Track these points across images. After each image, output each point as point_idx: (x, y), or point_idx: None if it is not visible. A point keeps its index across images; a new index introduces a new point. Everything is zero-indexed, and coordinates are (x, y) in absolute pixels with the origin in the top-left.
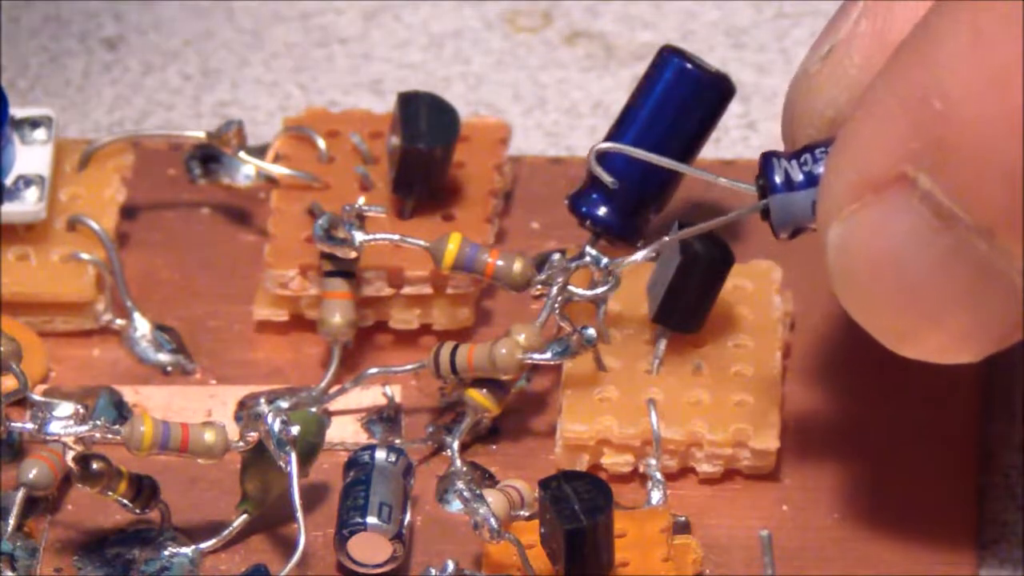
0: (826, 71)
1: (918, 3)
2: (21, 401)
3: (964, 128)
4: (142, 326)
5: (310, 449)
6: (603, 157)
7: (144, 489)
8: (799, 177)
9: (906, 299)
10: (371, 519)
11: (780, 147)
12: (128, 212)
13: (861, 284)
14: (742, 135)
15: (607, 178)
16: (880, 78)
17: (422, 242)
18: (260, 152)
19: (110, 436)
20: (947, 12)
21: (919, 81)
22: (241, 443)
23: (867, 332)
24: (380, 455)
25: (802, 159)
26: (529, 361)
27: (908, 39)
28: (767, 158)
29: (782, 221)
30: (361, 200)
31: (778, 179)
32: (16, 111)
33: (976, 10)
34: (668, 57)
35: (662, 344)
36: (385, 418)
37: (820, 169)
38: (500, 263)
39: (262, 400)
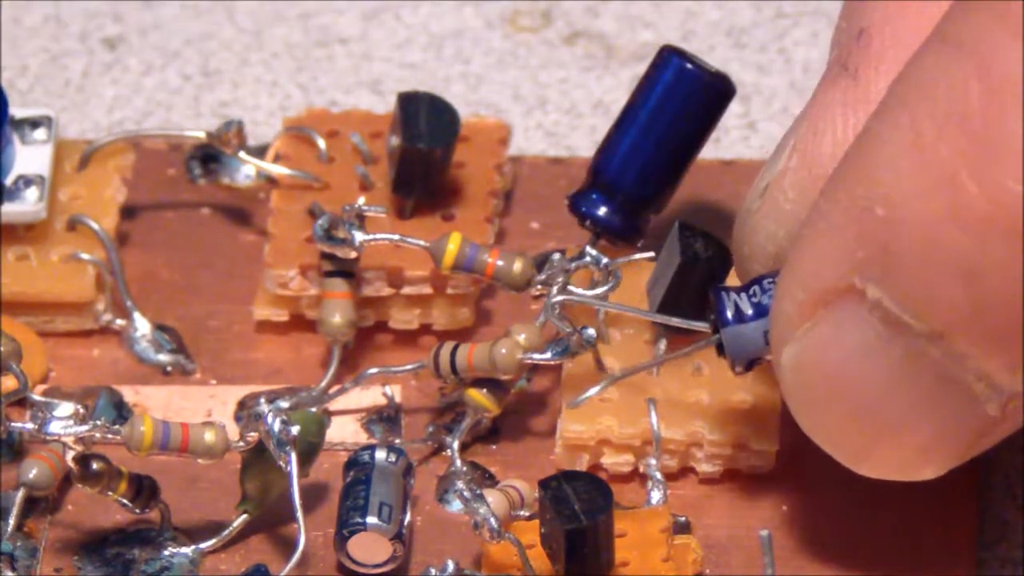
0: (764, 208)
1: (846, 133)
2: (21, 401)
3: (908, 231)
4: (142, 326)
5: (310, 449)
6: (601, 157)
7: (144, 489)
8: (749, 311)
9: (863, 414)
10: (371, 519)
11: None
12: (128, 212)
13: (817, 403)
14: (742, 135)
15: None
16: (823, 194)
17: (422, 242)
18: (260, 152)
19: (110, 436)
20: (885, 116)
21: (861, 190)
22: (241, 443)
23: None
24: (380, 455)
25: (751, 291)
26: (529, 361)
27: (849, 151)
28: (717, 293)
29: (735, 354)
30: (361, 200)
31: (729, 313)
32: (16, 111)
33: (913, 111)
34: (668, 57)
35: (662, 344)
36: (385, 418)
37: (768, 299)
38: (500, 263)
39: (262, 400)
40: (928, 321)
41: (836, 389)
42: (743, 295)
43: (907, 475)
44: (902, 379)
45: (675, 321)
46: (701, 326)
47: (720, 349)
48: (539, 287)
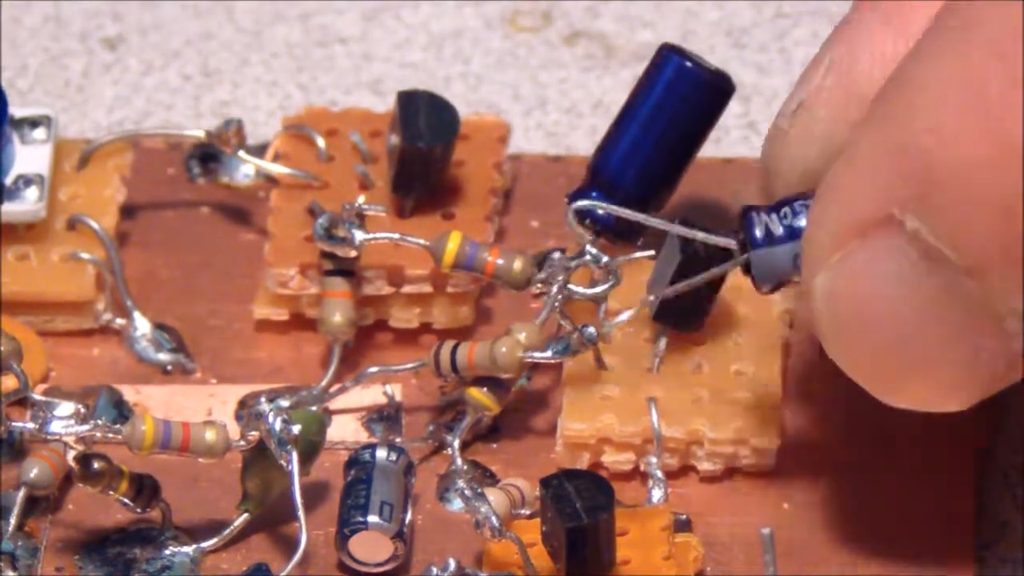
0: (796, 127)
1: (884, 54)
2: (21, 401)
3: (953, 167)
4: (142, 325)
5: (311, 448)
6: (601, 156)
7: (145, 488)
8: (779, 231)
9: (894, 346)
10: (372, 518)
11: None
12: (128, 212)
13: (848, 333)
14: (742, 135)
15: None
16: (864, 123)
17: (422, 241)
18: (259, 151)
19: (111, 435)
20: (931, 49)
21: (904, 122)
22: (242, 442)
23: None
24: (381, 454)
25: (782, 212)
26: (529, 359)
27: (890, 86)
28: (747, 213)
29: (764, 276)
30: (361, 199)
31: (758, 233)
32: (16, 111)
33: (962, 46)
34: (668, 55)
35: (662, 342)
36: (386, 417)
37: (801, 222)
38: (500, 262)
39: (263, 399)
40: (966, 255)
41: (868, 320)
42: (773, 216)
43: (933, 407)
44: (935, 312)
45: (700, 235)
46: (728, 242)
47: (747, 269)
48: (539, 285)
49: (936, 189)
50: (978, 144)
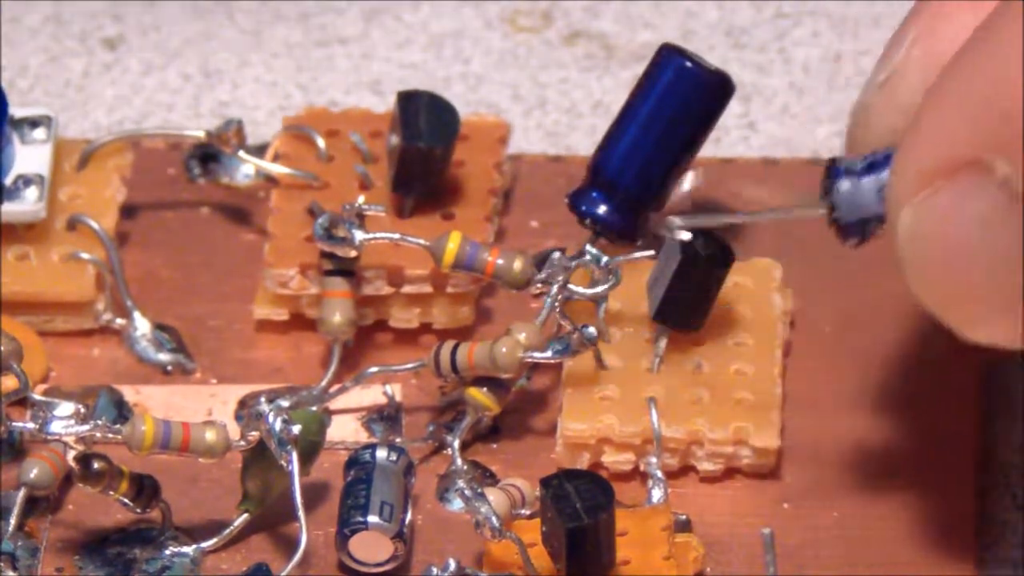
0: (883, 100)
1: (966, 24)
2: (22, 401)
3: None
4: (142, 325)
5: (311, 448)
6: (601, 156)
7: (145, 488)
8: (862, 165)
9: (977, 284)
10: (372, 518)
11: (781, 148)
12: (128, 212)
13: (931, 270)
14: (742, 135)
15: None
16: (949, 71)
17: (422, 241)
18: (259, 151)
19: (111, 435)
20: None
21: (997, 64)
22: (242, 442)
23: (868, 332)
24: (381, 454)
25: (865, 155)
26: (529, 360)
27: (975, 38)
28: (832, 161)
29: (848, 212)
30: (361, 199)
31: (841, 167)
32: (16, 111)
33: None
34: (668, 55)
35: (662, 342)
36: (386, 417)
37: (885, 173)
38: (500, 262)
39: (263, 399)
40: None
41: (951, 258)
42: (856, 160)
43: (1009, 345)
44: (1019, 254)
45: (795, 212)
46: (819, 212)
47: (831, 219)
48: (539, 285)
49: None
50: None
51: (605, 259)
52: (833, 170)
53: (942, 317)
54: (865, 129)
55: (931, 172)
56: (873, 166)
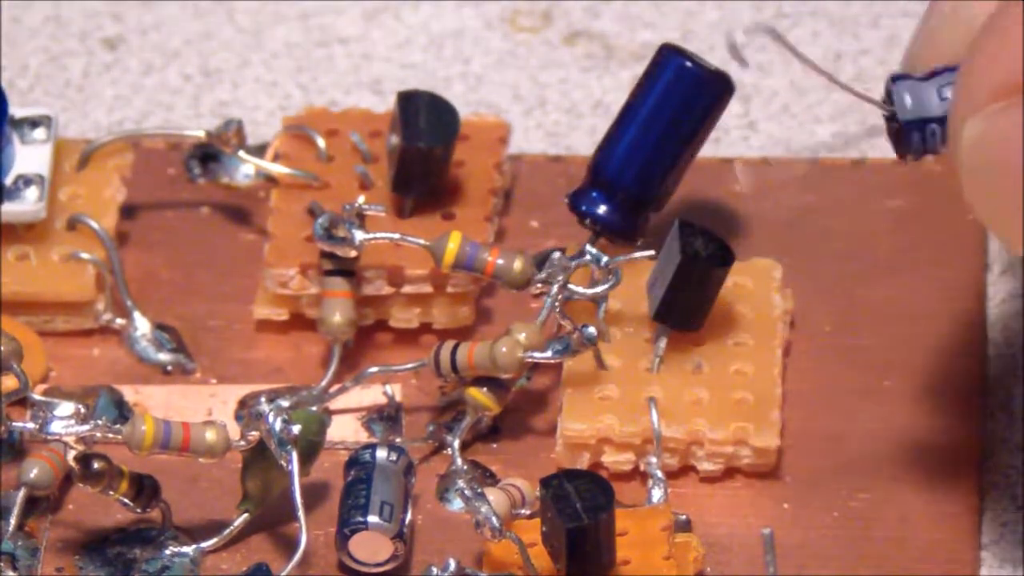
0: (950, 23)
1: None
2: (22, 401)
3: None
4: (142, 325)
5: (311, 448)
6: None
7: (145, 488)
8: (926, 75)
9: None
10: (372, 518)
11: (780, 149)
12: (128, 212)
13: (994, 183)
14: (742, 135)
15: (745, 61)
16: None
17: (422, 241)
18: (259, 151)
19: (111, 435)
20: None
21: None
22: (242, 442)
23: (868, 332)
24: (381, 454)
25: (928, 71)
26: (529, 359)
27: None
28: (894, 75)
29: (911, 111)
30: (361, 199)
31: (903, 76)
32: (16, 111)
33: None
34: (668, 55)
35: (662, 342)
36: (386, 417)
37: (949, 80)
38: (500, 262)
39: (263, 399)
40: None
41: (1012, 174)
42: (916, 75)
43: None
44: None
45: (859, 96)
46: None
47: (893, 124)
48: (539, 285)
49: None
50: None
51: (605, 259)
52: (895, 78)
53: (992, 228)
54: (930, 49)
55: (1004, 85)
56: (935, 74)
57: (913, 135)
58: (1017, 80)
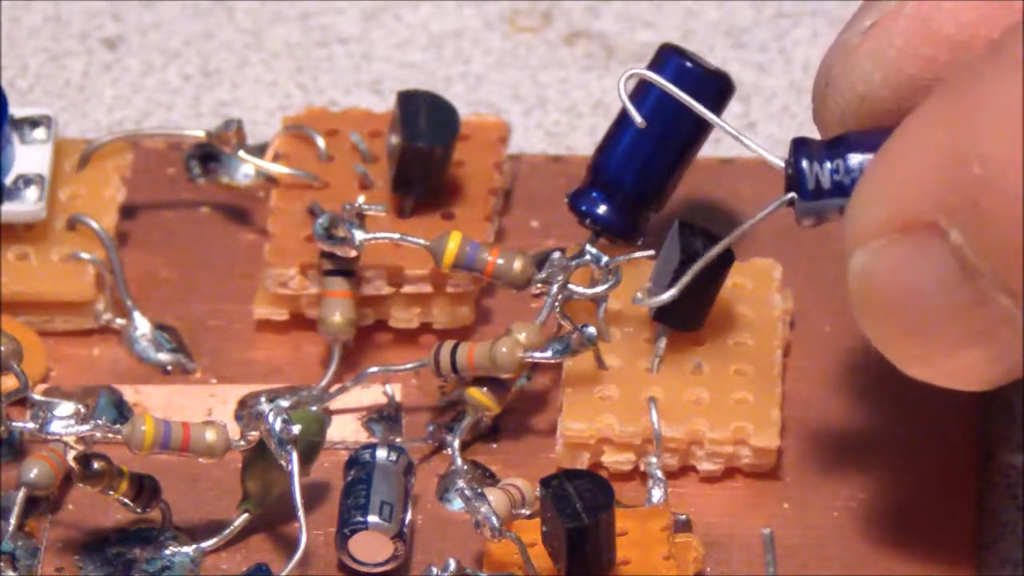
0: (864, 47)
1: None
2: (22, 401)
3: (1002, 198)
4: (142, 325)
5: (311, 448)
6: (601, 156)
7: (145, 488)
8: (828, 185)
9: (922, 332)
10: (372, 518)
11: (780, 150)
12: (128, 212)
13: (877, 312)
14: None
15: (637, 117)
16: (922, 116)
17: (422, 241)
18: (259, 151)
19: (111, 435)
20: (996, 69)
21: (961, 139)
22: (242, 442)
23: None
24: (381, 454)
25: (834, 164)
26: (529, 359)
27: (955, 81)
28: (799, 149)
29: (807, 216)
30: (361, 199)
31: (809, 186)
32: (16, 111)
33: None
34: (668, 55)
35: (662, 342)
36: (386, 417)
37: (850, 183)
38: (500, 261)
39: (263, 399)
40: (1006, 279)
41: (899, 307)
42: (825, 167)
43: (955, 386)
44: (965, 314)
45: (754, 147)
46: (777, 163)
47: (792, 203)
48: (539, 285)
49: (983, 213)
50: None
51: (605, 259)
52: (799, 177)
53: (883, 352)
54: (841, 71)
55: (889, 222)
56: (839, 189)
57: (807, 219)
58: (898, 218)
